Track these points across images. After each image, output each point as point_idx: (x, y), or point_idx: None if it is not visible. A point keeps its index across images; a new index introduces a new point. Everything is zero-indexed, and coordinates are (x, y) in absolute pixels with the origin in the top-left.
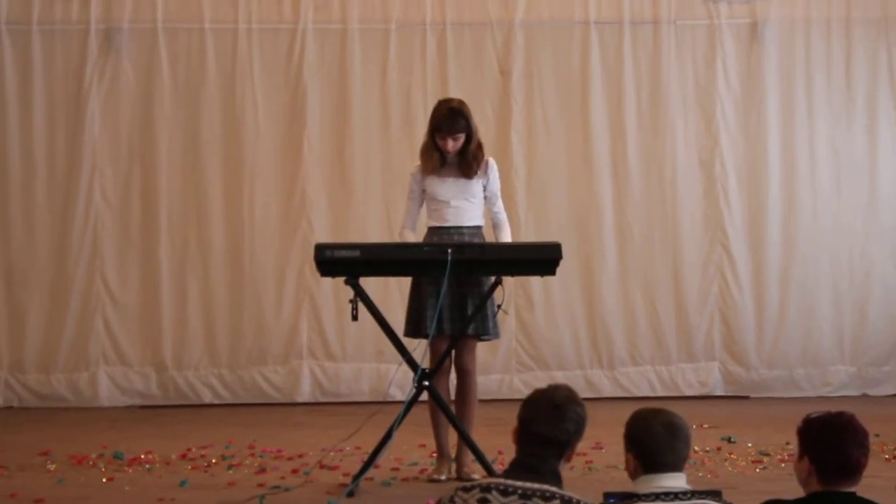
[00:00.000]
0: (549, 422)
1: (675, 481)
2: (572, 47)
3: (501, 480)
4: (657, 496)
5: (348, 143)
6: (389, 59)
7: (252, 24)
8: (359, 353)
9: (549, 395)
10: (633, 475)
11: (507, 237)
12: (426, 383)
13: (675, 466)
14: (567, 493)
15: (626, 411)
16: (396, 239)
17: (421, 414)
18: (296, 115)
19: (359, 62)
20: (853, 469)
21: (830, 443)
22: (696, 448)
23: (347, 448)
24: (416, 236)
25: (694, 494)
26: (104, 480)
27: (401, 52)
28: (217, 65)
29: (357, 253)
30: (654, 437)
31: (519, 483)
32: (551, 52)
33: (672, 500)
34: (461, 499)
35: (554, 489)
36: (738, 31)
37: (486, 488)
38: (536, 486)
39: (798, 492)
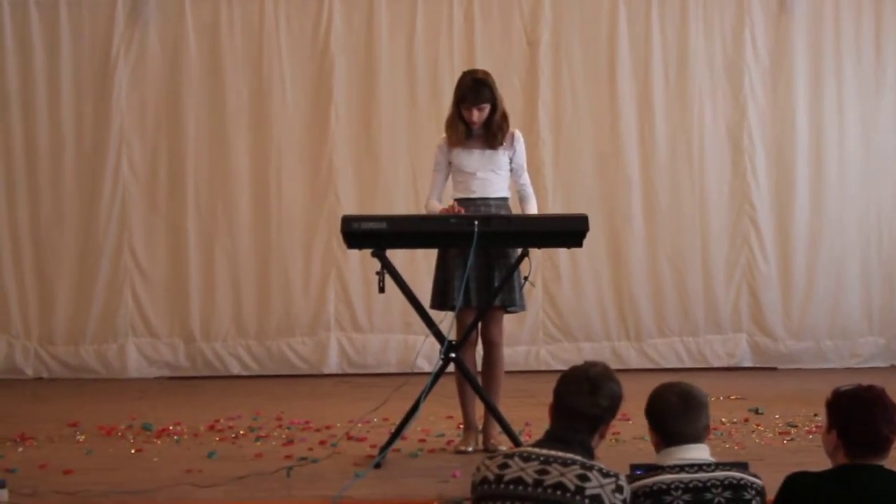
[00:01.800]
0: (582, 396)
1: (698, 452)
2: (600, 18)
3: (525, 449)
4: (681, 468)
5: (375, 115)
6: (416, 30)
7: None
8: (386, 324)
9: (584, 371)
10: (657, 449)
11: (533, 209)
12: (453, 355)
13: (695, 437)
14: (588, 461)
15: (654, 383)
16: (423, 211)
17: (448, 385)
18: (323, 86)
19: (386, 33)
20: (882, 444)
21: (859, 417)
22: (723, 419)
23: (375, 419)
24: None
25: (718, 466)
26: (133, 451)
27: (428, 22)
28: (244, 35)
29: (384, 225)
30: (669, 410)
31: (543, 451)
32: (579, 23)
33: (696, 471)
34: (485, 465)
35: (576, 457)
36: (767, 1)
37: (510, 455)
38: (559, 454)
39: (825, 464)
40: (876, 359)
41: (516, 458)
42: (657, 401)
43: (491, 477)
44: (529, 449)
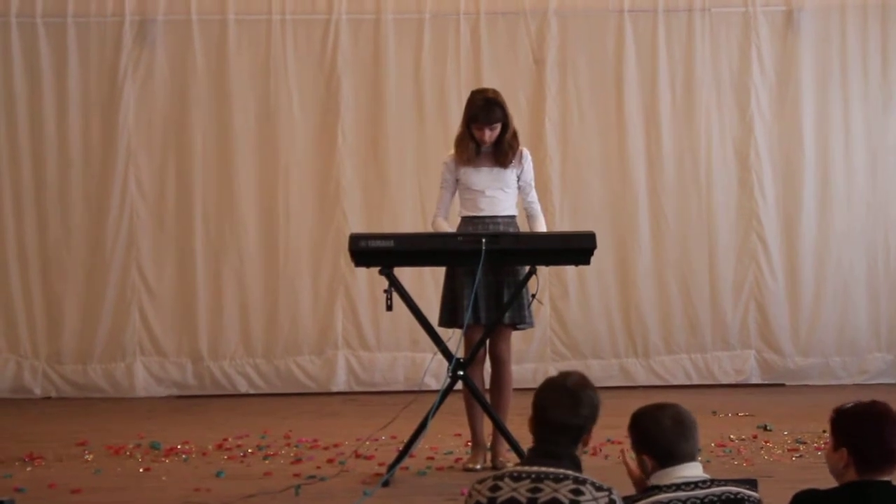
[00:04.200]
0: (565, 408)
1: (692, 470)
2: (606, 36)
3: (516, 468)
4: (678, 486)
5: (382, 134)
6: (423, 49)
7: (286, 15)
8: (394, 342)
9: (562, 382)
10: (651, 473)
11: (541, 227)
12: (461, 373)
13: (691, 456)
14: (580, 475)
15: (661, 400)
16: (430, 228)
17: (456, 403)
18: (330, 105)
19: (393, 52)
20: (892, 458)
21: (869, 433)
22: (731, 436)
23: (383, 438)
24: (449, 225)
25: (714, 482)
26: (141, 471)
27: (435, 41)
28: (251, 56)
29: (391, 243)
30: (665, 432)
31: (532, 469)
32: (585, 41)
33: (693, 488)
34: (476, 490)
35: (567, 472)
36: (773, 18)
37: (499, 477)
38: (550, 470)
39: (834, 481)
40: (884, 375)
41: (507, 479)
42: (651, 424)
43: (484, 501)
44: (519, 468)
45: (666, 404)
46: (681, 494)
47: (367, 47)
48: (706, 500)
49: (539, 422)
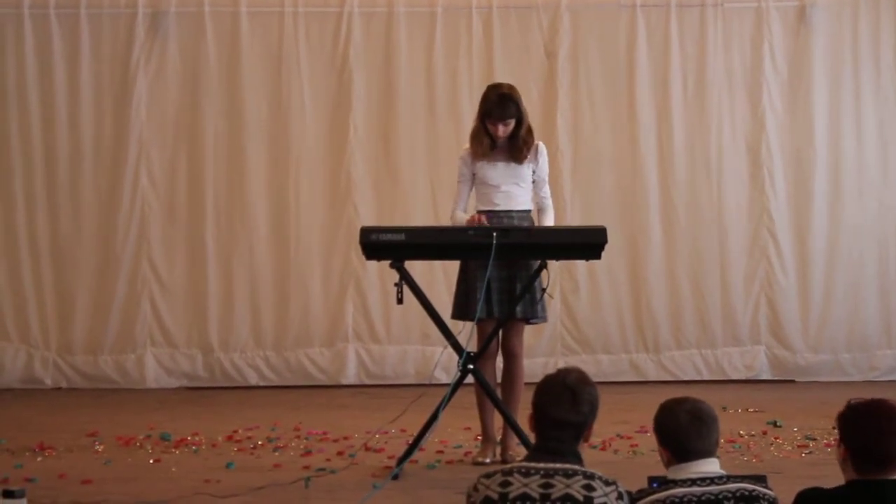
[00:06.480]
0: (566, 405)
1: (710, 466)
2: (618, 30)
3: (523, 464)
4: (693, 481)
5: (394, 127)
6: (435, 43)
7: (298, 8)
8: (404, 335)
9: (561, 379)
10: (668, 465)
11: (549, 221)
12: (471, 366)
13: (707, 452)
14: (588, 469)
15: (672, 395)
16: (441, 222)
17: (466, 397)
18: (341, 98)
19: (405, 46)
20: (888, 459)
21: (866, 432)
22: (741, 432)
23: (393, 431)
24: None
25: (730, 478)
26: (151, 462)
27: (447, 35)
28: (263, 49)
29: (402, 236)
30: (681, 426)
31: (541, 464)
32: (597, 35)
33: (708, 484)
34: (483, 485)
35: (576, 467)
36: (786, 13)
37: (508, 472)
38: (559, 465)
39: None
40: (894, 372)
41: (516, 475)
42: (668, 418)
43: (494, 496)
44: (526, 464)
45: (686, 399)
46: (696, 490)
47: (379, 41)
48: (721, 496)
49: (540, 420)
